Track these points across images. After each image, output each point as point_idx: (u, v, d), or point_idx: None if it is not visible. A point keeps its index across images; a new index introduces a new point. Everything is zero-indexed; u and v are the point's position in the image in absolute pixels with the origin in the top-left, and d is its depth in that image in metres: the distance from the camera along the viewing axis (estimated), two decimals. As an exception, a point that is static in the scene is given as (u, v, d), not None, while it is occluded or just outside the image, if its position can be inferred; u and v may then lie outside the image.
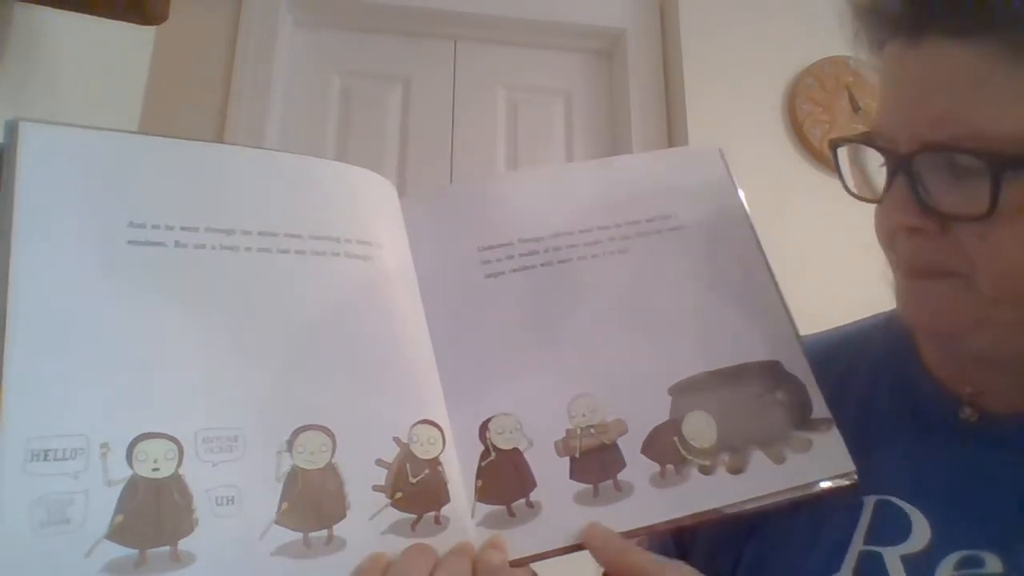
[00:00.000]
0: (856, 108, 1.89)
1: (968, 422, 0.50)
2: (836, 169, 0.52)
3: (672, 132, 1.89)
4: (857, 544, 0.49)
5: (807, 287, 1.64)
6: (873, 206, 0.50)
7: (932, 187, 0.43)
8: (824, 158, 1.85)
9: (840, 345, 0.61)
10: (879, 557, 0.47)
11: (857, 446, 0.51)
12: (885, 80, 0.46)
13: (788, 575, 0.45)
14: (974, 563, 0.45)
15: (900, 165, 0.44)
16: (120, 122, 1.54)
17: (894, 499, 0.49)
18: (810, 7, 1.96)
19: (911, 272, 0.47)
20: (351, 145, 1.83)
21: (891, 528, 0.48)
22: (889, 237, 0.48)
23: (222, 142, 1.68)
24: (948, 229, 0.43)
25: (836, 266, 1.78)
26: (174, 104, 1.68)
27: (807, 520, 0.50)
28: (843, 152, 0.52)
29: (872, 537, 0.48)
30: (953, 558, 0.46)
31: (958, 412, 0.50)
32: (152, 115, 1.63)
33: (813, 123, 1.86)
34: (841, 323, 0.67)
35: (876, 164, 0.48)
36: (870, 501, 0.50)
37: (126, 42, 1.53)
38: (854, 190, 0.51)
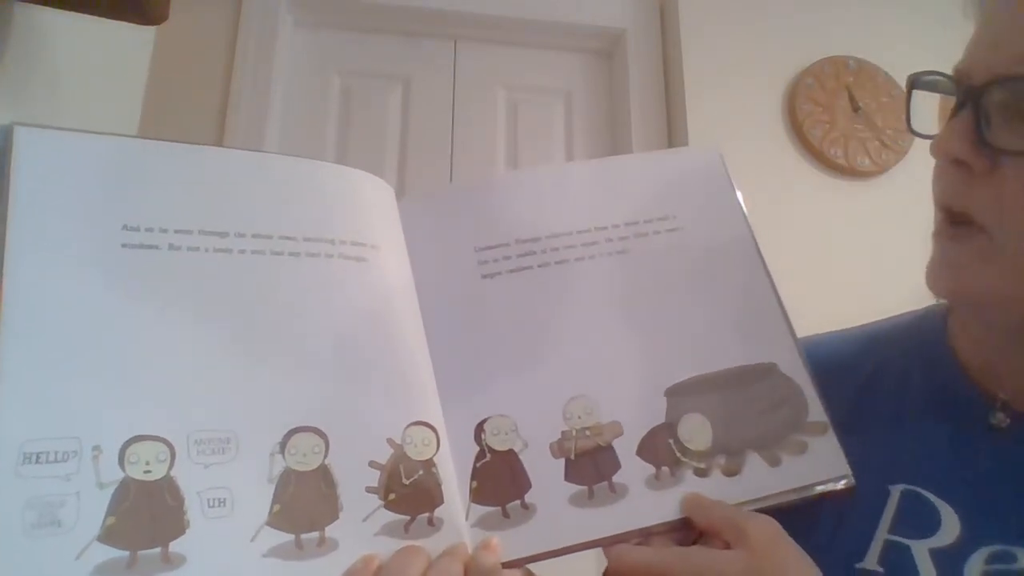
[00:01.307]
0: (856, 108, 1.89)
1: (1000, 427, 0.50)
2: (906, 106, 0.53)
3: (672, 132, 1.89)
4: (882, 533, 0.49)
5: (806, 287, 1.64)
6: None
7: (995, 123, 0.44)
8: (824, 158, 1.85)
9: (872, 340, 0.61)
10: (907, 549, 0.48)
11: (886, 438, 0.52)
12: (980, 20, 0.48)
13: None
14: (1005, 558, 0.45)
15: (971, 96, 0.45)
16: (120, 122, 1.54)
17: (922, 491, 0.49)
18: (810, 7, 1.96)
19: (943, 217, 0.48)
20: (351, 145, 1.83)
21: (919, 520, 0.48)
22: (937, 173, 0.49)
23: (222, 142, 1.68)
24: (995, 170, 0.44)
25: (835, 266, 1.78)
26: (174, 104, 1.68)
27: (830, 507, 0.50)
28: (916, 93, 0.53)
29: (898, 527, 0.49)
30: (983, 553, 0.46)
31: (991, 413, 0.51)
32: (152, 115, 1.63)
33: (813, 123, 1.86)
34: (838, 323, 0.67)
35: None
36: (896, 490, 0.50)
37: (126, 42, 1.52)
38: (916, 128, 0.52)
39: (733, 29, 1.91)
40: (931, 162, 0.51)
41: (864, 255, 1.80)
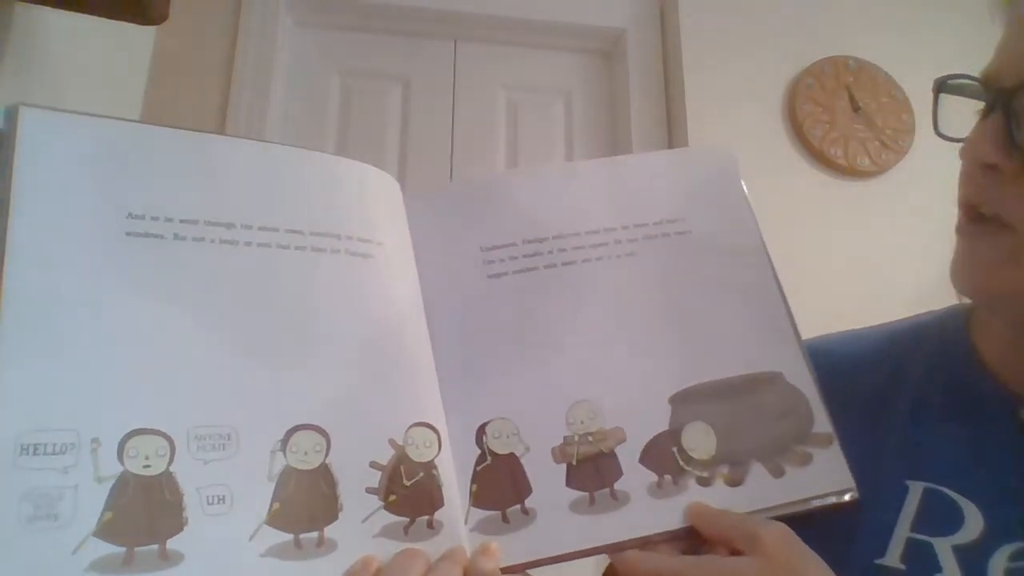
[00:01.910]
0: (856, 108, 1.89)
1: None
2: (933, 109, 0.53)
3: (672, 132, 1.88)
4: (903, 530, 0.49)
5: (806, 287, 1.64)
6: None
7: None
8: (824, 158, 1.85)
9: (893, 339, 0.61)
10: (929, 547, 0.47)
11: (906, 434, 0.52)
12: (1010, 23, 0.48)
13: (832, 560, 0.45)
14: None
15: (1000, 99, 0.45)
16: (120, 122, 1.54)
17: (944, 489, 0.49)
18: (810, 7, 1.96)
19: (968, 215, 0.48)
20: (351, 145, 1.82)
21: (941, 518, 0.48)
22: (964, 175, 0.49)
23: (223, 139, 1.68)
24: None
25: (835, 266, 1.78)
26: (174, 104, 1.68)
27: (850, 505, 0.50)
28: (943, 97, 0.53)
29: (920, 525, 0.48)
30: (1007, 550, 0.45)
31: (1015, 411, 0.50)
32: (152, 115, 1.63)
33: (813, 123, 1.86)
34: (838, 323, 0.67)
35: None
36: (917, 487, 0.50)
37: (126, 42, 1.53)
38: (944, 132, 0.52)
39: (733, 29, 1.91)
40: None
41: (864, 255, 1.80)
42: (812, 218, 1.80)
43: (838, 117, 1.88)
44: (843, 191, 1.86)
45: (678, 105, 1.87)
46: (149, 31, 1.60)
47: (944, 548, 0.47)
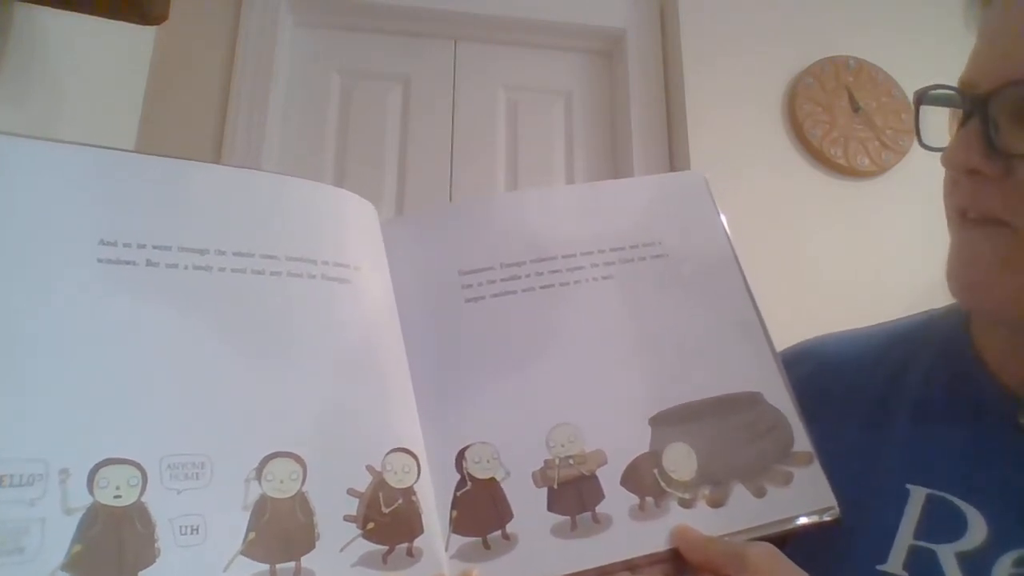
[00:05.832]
0: (856, 108, 1.89)
1: None
2: (915, 121, 0.53)
3: (672, 132, 1.88)
4: (906, 537, 0.48)
5: (805, 287, 1.64)
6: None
7: (1003, 129, 0.44)
8: (824, 158, 1.85)
9: (895, 338, 0.61)
10: (933, 554, 0.47)
11: (908, 436, 0.51)
12: (983, 31, 0.48)
13: (832, 564, 0.45)
14: None
15: (977, 105, 0.45)
16: (121, 122, 1.55)
17: (947, 495, 0.49)
18: (810, 7, 1.96)
19: (962, 217, 0.48)
20: (351, 145, 1.82)
21: (944, 524, 0.48)
22: (950, 184, 0.49)
23: (221, 143, 1.68)
24: (1010, 174, 0.44)
25: (835, 266, 1.78)
26: (174, 104, 1.68)
27: (850, 508, 0.50)
28: (925, 109, 0.53)
29: (923, 532, 0.48)
30: (1012, 556, 0.45)
31: (1016, 414, 0.50)
32: (152, 115, 1.64)
33: (813, 123, 1.86)
34: (837, 324, 0.67)
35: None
36: (919, 492, 0.50)
37: (126, 42, 1.53)
38: (928, 143, 0.53)
39: (733, 29, 1.90)
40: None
41: (864, 255, 1.80)
42: (812, 218, 1.80)
43: (838, 117, 1.87)
44: (843, 191, 1.85)
45: (678, 105, 1.87)
46: (149, 31, 1.61)
47: (947, 555, 0.47)
